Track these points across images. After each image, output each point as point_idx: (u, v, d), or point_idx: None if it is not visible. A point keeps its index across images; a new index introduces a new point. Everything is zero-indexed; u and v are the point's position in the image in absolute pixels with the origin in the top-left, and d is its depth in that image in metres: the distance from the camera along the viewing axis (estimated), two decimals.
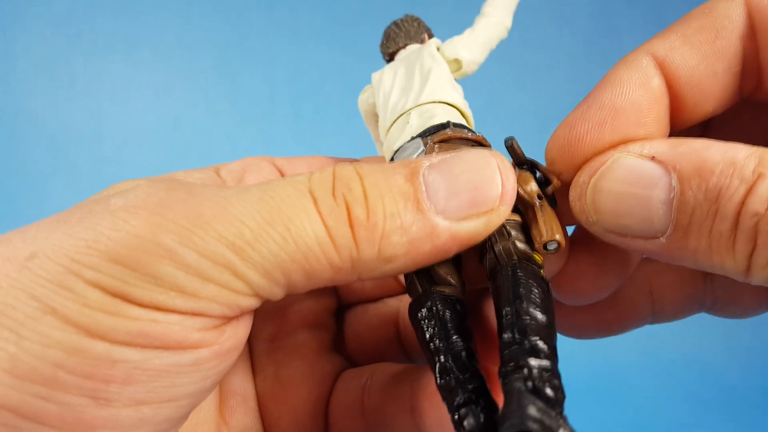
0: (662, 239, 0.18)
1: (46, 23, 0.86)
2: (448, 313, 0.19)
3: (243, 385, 0.26)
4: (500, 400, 0.20)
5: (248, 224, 0.17)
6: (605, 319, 0.27)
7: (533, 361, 0.16)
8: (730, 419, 0.81)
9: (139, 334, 0.16)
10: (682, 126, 0.22)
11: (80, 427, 0.16)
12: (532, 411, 0.15)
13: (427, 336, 0.19)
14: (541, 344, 0.17)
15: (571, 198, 0.20)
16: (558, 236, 0.20)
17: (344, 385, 0.26)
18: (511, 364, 0.16)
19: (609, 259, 0.24)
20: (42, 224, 0.17)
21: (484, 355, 0.21)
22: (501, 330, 0.18)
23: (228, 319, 0.18)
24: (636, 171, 0.19)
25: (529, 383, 0.16)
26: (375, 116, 0.30)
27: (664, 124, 0.21)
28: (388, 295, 0.29)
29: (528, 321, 0.17)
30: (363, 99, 0.30)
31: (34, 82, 0.85)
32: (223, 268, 0.17)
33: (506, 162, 0.20)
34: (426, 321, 0.19)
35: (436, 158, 0.20)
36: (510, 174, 0.20)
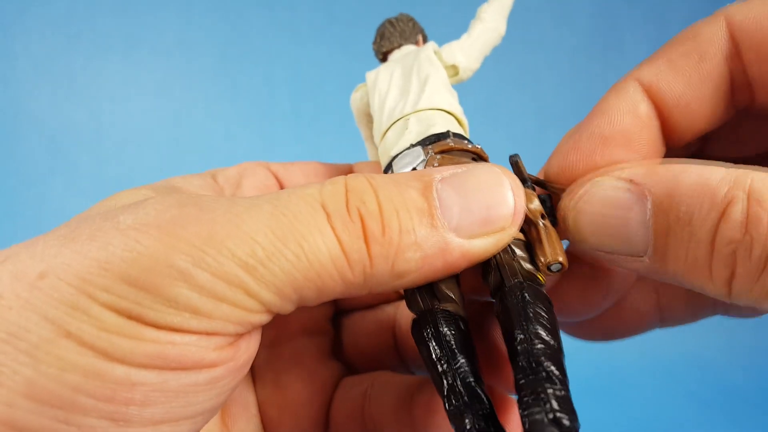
0: (645, 259, 0.19)
1: (45, 23, 0.86)
2: (454, 334, 0.19)
3: (243, 393, 0.25)
4: (506, 422, 0.21)
5: (260, 242, 0.17)
6: (611, 326, 0.27)
7: (551, 390, 0.16)
8: (731, 419, 0.81)
9: (157, 356, 0.16)
10: (678, 144, 0.22)
11: None
12: None
13: (434, 357, 0.19)
14: (555, 371, 0.17)
15: (558, 219, 0.21)
16: (561, 258, 0.20)
17: (345, 392, 0.26)
18: (531, 394, 0.17)
19: (596, 279, 0.25)
20: (49, 239, 0.17)
21: (485, 371, 0.21)
22: (514, 355, 0.18)
23: (240, 336, 0.18)
24: (612, 194, 0.19)
25: (550, 415, 0.16)
26: (367, 116, 0.30)
27: (656, 146, 0.22)
28: (383, 301, 0.29)
29: (541, 347, 0.18)
30: (356, 98, 0.30)
31: (33, 82, 0.85)
32: (236, 288, 0.17)
33: (517, 181, 0.20)
34: (433, 342, 0.19)
35: (447, 172, 0.20)
36: (521, 194, 0.20)
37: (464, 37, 0.29)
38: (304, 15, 0.92)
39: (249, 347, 0.19)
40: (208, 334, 0.17)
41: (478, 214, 0.19)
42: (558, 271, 0.20)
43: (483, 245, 0.19)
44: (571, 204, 0.20)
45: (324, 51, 0.91)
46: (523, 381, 0.17)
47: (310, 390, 0.25)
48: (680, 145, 0.22)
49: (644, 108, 0.21)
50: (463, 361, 0.19)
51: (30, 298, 0.16)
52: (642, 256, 0.19)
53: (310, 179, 0.29)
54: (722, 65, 0.21)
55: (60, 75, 0.86)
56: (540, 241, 0.21)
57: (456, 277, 0.21)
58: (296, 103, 0.91)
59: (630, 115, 0.21)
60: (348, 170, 0.30)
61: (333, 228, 0.18)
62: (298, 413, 0.25)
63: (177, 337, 0.16)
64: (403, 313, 0.28)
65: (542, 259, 0.20)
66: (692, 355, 0.88)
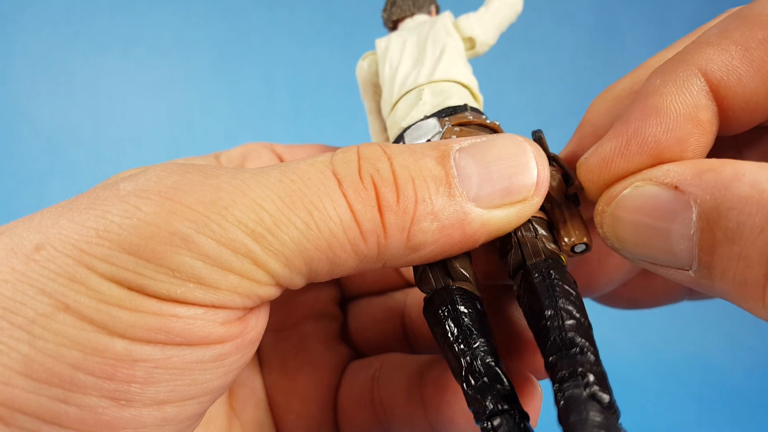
0: (691, 273, 0.16)
1: (43, 22, 0.85)
2: (470, 313, 0.18)
3: (251, 377, 0.25)
4: (527, 405, 0.20)
5: (268, 209, 0.16)
6: (637, 296, 0.26)
7: (588, 365, 0.16)
8: (732, 420, 0.81)
9: (160, 330, 0.15)
10: (729, 134, 0.20)
11: (102, 428, 0.15)
12: (597, 418, 0.15)
13: (451, 338, 0.18)
14: (590, 346, 0.16)
15: (595, 224, 0.19)
16: (586, 238, 0.19)
17: (353, 375, 0.25)
18: (565, 370, 0.16)
19: (609, 255, 0.23)
20: (47, 212, 0.16)
21: (503, 353, 0.20)
22: (545, 332, 0.17)
23: (249, 310, 0.17)
24: (654, 201, 0.17)
25: (588, 390, 0.15)
26: (373, 86, 0.28)
27: (708, 148, 0.19)
28: (391, 288, 0.28)
29: (573, 323, 0.17)
30: (363, 66, 0.28)
31: (31, 81, 0.85)
32: (243, 257, 0.16)
33: (540, 149, 0.19)
34: (449, 320, 0.18)
35: (465, 142, 0.19)
36: (545, 163, 0.19)
37: (482, 9, 0.27)
38: (303, 15, 0.91)
39: (258, 323, 0.18)
40: (215, 306, 0.16)
41: (499, 184, 0.18)
42: (582, 252, 0.19)
43: (505, 216, 0.18)
44: (609, 209, 0.18)
45: (324, 51, 0.90)
46: (555, 357, 0.16)
47: (317, 375, 0.25)
48: (729, 135, 0.20)
49: (707, 115, 0.18)
50: (482, 340, 0.18)
51: (26, 271, 0.15)
52: (687, 270, 0.17)
53: None
54: None
55: (58, 74, 0.86)
56: (564, 220, 0.19)
57: (469, 256, 0.20)
58: (295, 102, 0.90)
59: (691, 124, 0.18)
60: None
61: (345, 195, 0.17)
62: (305, 398, 0.25)
63: (182, 310, 0.15)
64: (414, 301, 0.27)
65: (566, 240, 0.19)
66: (694, 355, 0.88)
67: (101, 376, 0.15)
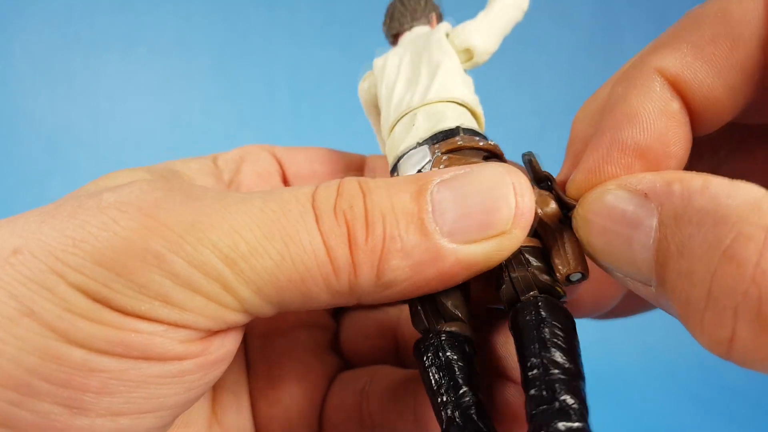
0: (653, 289, 0.16)
1: (44, 22, 0.85)
2: (456, 359, 0.18)
3: (236, 382, 0.25)
4: None
5: (245, 236, 0.16)
6: (635, 304, 0.26)
7: (563, 426, 0.15)
8: (732, 420, 0.81)
9: (118, 343, 0.15)
10: (701, 134, 0.20)
11: None
12: None
13: (434, 385, 0.18)
14: (571, 402, 0.15)
15: (573, 228, 0.19)
16: (581, 267, 0.18)
17: (341, 387, 0.25)
18: (541, 428, 0.15)
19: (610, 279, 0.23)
20: (32, 215, 0.17)
21: (495, 387, 0.20)
22: (527, 383, 0.16)
23: (213, 332, 0.17)
24: (621, 206, 0.16)
25: None
26: (376, 107, 0.28)
27: (689, 142, 0.19)
28: (388, 303, 0.27)
29: (557, 374, 0.16)
30: (363, 88, 0.28)
31: (31, 81, 0.85)
32: (213, 281, 0.16)
33: (523, 179, 0.18)
34: (432, 368, 0.18)
35: (448, 174, 0.18)
36: (526, 193, 0.18)
37: (481, 15, 0.26)
38: (304, 15, 0.91)
39: (223, 345, 0.18)
40: (177, 325, 0.16)
41: (476, 217, 0.17)
42: (578, 281, 0.18)
43: (482, 251, 0.18)
44: (581, 212, 0.18)
45: (324, 51, 0.90)
46: (534, 413, 0.15)
47: (303, 384, 0.24)
48: (702, 135, 0.20)
49: (676, 106, 0.18)
50: (464, 390, 0.17)
51: (1, 275, 0.15)
52: (650, 286, 0.16)
53: (314, 166, 0.28)
54: (757, 53, 0.17)
55: (58, 74, 0.86)
56: (558, 248, 0.18)
57: (464, 291, 0.20)
58: (295, 102, 0.90)
59: (664, 118, 0.18)
60: (360, 161, 0.29)
61: (320, 231, 0.17)
62: (289, 408, 0.24)
63: (143, 325, 0.16)
64: (408, 319, 0.26)
65: (561, 269, 0.18)
66: (693, 355, 0.88)
67: (56, 383, 0.15)
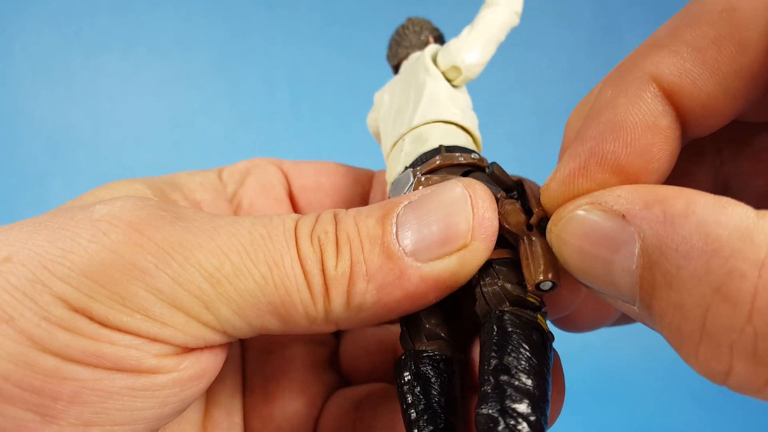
0: (635, 308, 0.15)
1: (44, 22, 0.85)
2: (430, 379, 0.18)
3: (230, 397, 0.24)
4: None
5: (231, 258, 0.17)
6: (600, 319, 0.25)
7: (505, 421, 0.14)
8: (732, 420, 0.81)
9: (92, 353, 0.16)
10: (694, 137, 0.18)
11: None
12: None
13: (405, 407, 0.18)
14: (522, 426, 0.14)
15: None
16: (551, 274, 0.17)
17: (336, 404, 0.25)
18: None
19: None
20: (26, 225, 0.17)
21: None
22: (479, 401, 0.15)
23: (189, 349, 0.17)
24: (599, 229, 0.15)
25: None
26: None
27: (675, 155, 0.17)
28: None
29: (510, 392, 0.15)
30: (370, 120, 0.28)
31: (31, 81, 0.85)
32: (196, 299, 0.16)
33: (481, 191, 0.18)
34: (405, 388, 0.18)
35: (416, 195, 0.18)
36: (484, 203, 0.18)
37: (465, 30, 0.25)
38: (304, 15, 0.91)
39: (198, 363, 0.18)
40: (154, 339, 0.16)
41: (436, 235, 0.17)
42: (550, 290, 0.17)
43: (446, 267, 0.17)
44: (554, 230, 0.17)
45: (324, 51, 0.90)
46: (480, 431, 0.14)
47: (298, 402, 0.24)
48: (695, 138, 0.18)
49: (666, 121, 0.16)
50: (433, 410, 0.17)
51: None
52: (633, 305, 0.15)
53: (320, 179, 0.28)
54: (763, 57, 0.15)
55: (58, 74, 0.85)
56: (525, 257, 0.18)
57: (450, 311, 0.19)
58: (295, 102, 0.90)
59: (650, 133, 0.16)
60: (368, 176, 0.29)
61: (299, 256, 0.17)
62: (281, 427, 0.24)
63: (119, 337, 0.16)
64: None
65: (528, 278, 0.17)
66: None
67: (28, 389, 0.15)
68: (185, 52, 0.89)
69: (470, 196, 0.18)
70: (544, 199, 0.18)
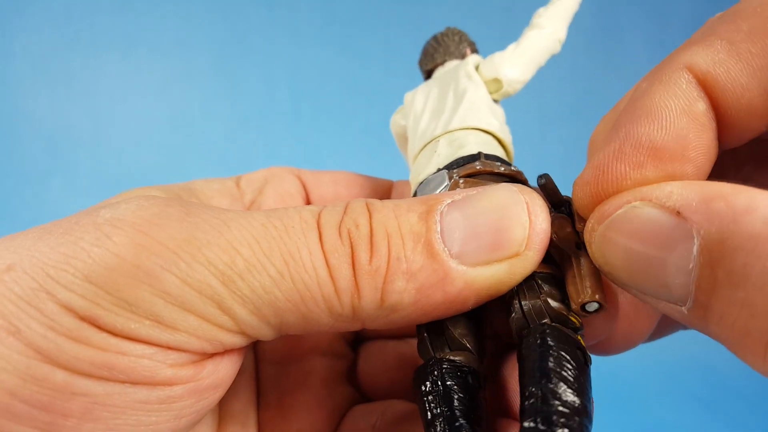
0: (684, 309, 0.14)
1: (44, 22, 0.85)
2: (456, 390, 0.16)
3: (245, 410, 0.23)
4: None
5: (243, 253, 0.15)
6: (662, 328, 0.24)
7: None
8: (732, 420, 0.81)
9: (103, 366, 0.15)
10: (730, 147, 0.18)
11: None
12: None
13: (429, 417, 0.16)
14: None
15: (585, 241, 0.17)
16: (598, 296, 0.16)
17: (353, 422, 0.23)
18: None
19: (642, 308, 0.21)
20: (30, 233, 0.16)
21: (502, 428, 0.19)
22: (523, 414, 0.15)
23: (208, 355, 0.16)
24: (652, 226, 0.15)
25: None
26: (406, 139, 0.28)
27: (713, 151, 0.17)
28: (408, 333, 0.26)
29: (556, 407, 0.14)
30: (394, 120, 0.28)
31: (31, 81, 0.85)
32: (208, 300, 0.15)
33: (538, 200, 0.17)
34: (429, 398, 0.16)
35: (459, 195, 0.17)
36: (540, 213, 0.17)
37: (511, 47, 0.26)
38: (304, 15, 0.91)
39: (218, 370, 0.17)
40: (167, 347, 0.15)
41: (486, 238, 0.16)
42: (595, 312, 0.17)
43: (493, 274, 0.16)
44: (600, 228, 0.16)
45: (324, 51, 0.90)
46: None
47: (313, 416, 0.23)
48: (732, 147, 0.18)
49: (702, 107, 0.16)
50: (460, 423, 0.16)
51: None
52: (681, 306, 0.14)
53: (339, 189, 0.27)
54: None
55: (58, 74, 0.86)
56: (573, 275, 0.17)
57: (477, 324, 0.18)
58: (296, 102, 0.90)
59: (686, 117, 0.16)
60: (387, 186, 0.28)
61: (323, 249, 0.16)
62: None
63: (130, 347, 0.15)
64: None
65: (575, 298, 0.17)
66: (695, 357, 0.88)
67: (37, 405, 0.14)
68: (185, 52, 0.89)
69: (527, 204, 0.17)
70: (577, 190, 0.17)
